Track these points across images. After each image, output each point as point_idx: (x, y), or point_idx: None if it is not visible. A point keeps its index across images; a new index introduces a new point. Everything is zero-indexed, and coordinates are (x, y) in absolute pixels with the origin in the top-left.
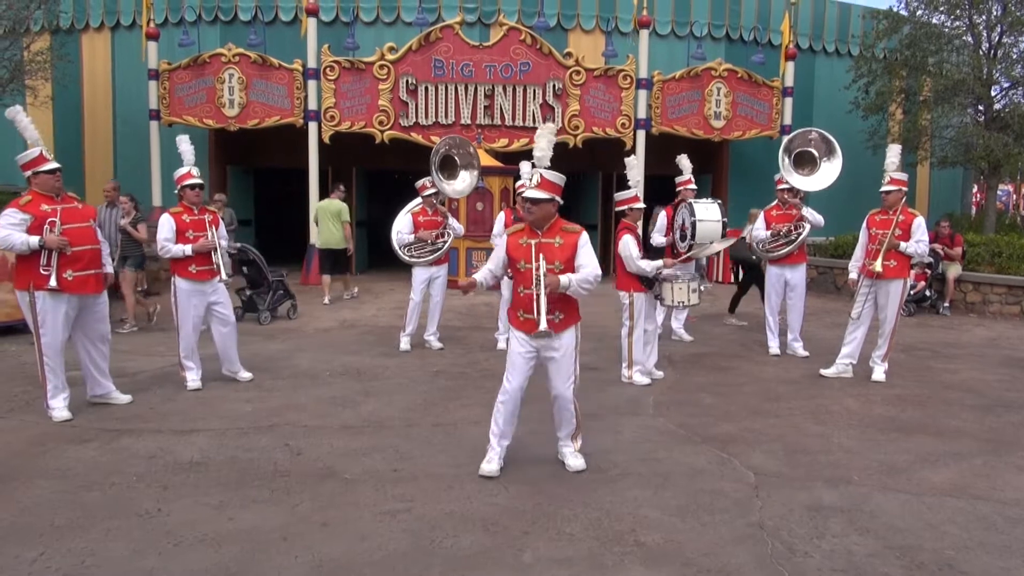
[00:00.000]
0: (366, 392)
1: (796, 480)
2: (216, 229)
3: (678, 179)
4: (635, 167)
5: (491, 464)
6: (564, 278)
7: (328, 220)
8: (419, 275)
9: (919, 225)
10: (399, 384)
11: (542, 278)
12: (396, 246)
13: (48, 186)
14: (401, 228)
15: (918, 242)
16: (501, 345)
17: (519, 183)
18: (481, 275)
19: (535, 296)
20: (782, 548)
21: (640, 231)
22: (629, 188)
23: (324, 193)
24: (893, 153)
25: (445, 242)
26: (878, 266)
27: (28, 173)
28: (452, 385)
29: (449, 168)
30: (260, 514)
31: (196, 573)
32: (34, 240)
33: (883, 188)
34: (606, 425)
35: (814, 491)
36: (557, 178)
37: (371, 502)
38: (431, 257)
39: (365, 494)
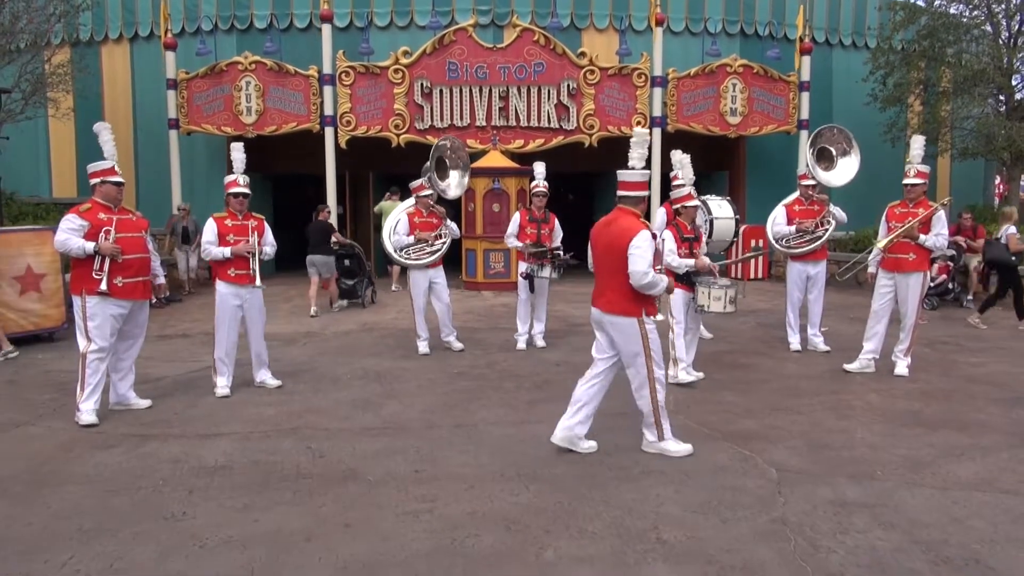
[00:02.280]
0: (387, 394)
1: (819, 476)
2: (261, 236)
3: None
4: (687, 165)
5: (683, 443)
6: None
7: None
8: (419, 282)
9: (939, 218)
10: (419, 386)
11: None
12: (392, 248)
13: (110, 196)
14: (398, 230)
15: (937, 235)
16: (520, 346)
17: (533, 184)
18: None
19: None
20: (805, 544)
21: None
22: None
23: (341, 198)
24: (918, 144)
25: (444, 243)
26: (880, 246)
27: (96, 181)
28: (472, 386)
29: (441, 169)
30: (284, 516)
31: (222, 575)
32: (89, 245)
33: (909, 181)
34: (627, 423)
35: (837, 487)
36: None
37: (393, 503)
38: (429, 259)
39: (387, 495)
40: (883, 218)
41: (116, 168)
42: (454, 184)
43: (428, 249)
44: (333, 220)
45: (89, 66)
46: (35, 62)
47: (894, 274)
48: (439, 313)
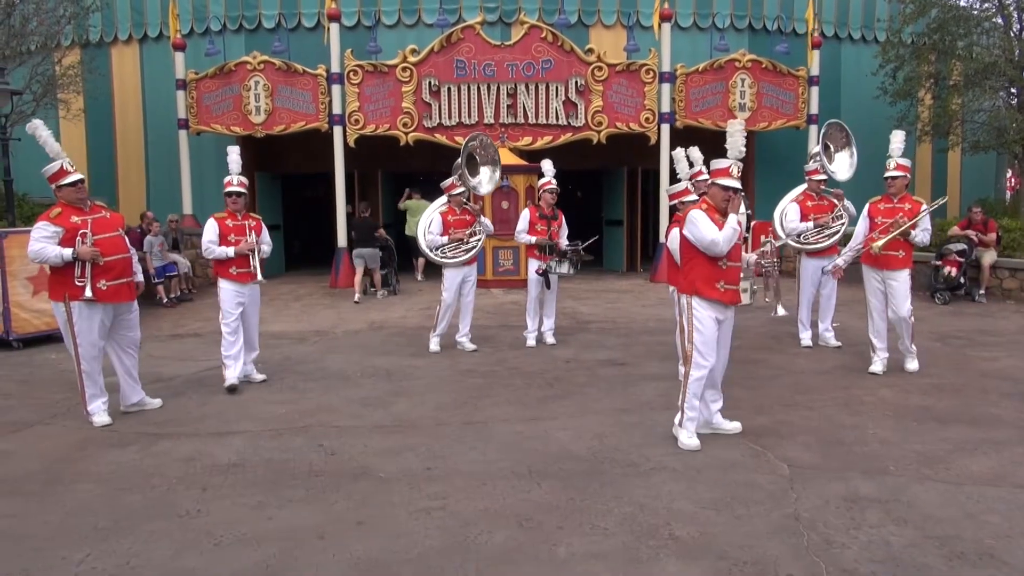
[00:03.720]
0: (397, 392)
1: (831, 471)
2: (259, 235)
3: (690, 171)
4: (682, 160)
5: (694, 439)
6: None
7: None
8: (452, 277)
9: (926, 215)
10: (429, 384)
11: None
12: (427, 248)
13: (72, 198)
14: (432, 229)
15: (923, 231)
16: (530, 343)
17: (543, 181)
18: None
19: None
20: (818, 539)
21: None
22: (679, 181)
23: (351, 197)
24: (898, 139)
25: (479, 240)
26: (878, 246)
27: (53, 186)
28: (482, 384)
29: (471, 165)
30: (297, 513)
31: (237, 572)
32: (67, 252)
33: (890, 174)
34: (638, 419)
35: (850, 482)
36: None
37: (405, 500)
38: (465, 256)
39: (399, 492)
40: (864, 213)
41: (67, 167)
42: (485, 180)
43: (464, 247)
44: (342, 218)
45: (99, 67)
46: (46, 64)
47: (882, 271)
48: (462, 309)
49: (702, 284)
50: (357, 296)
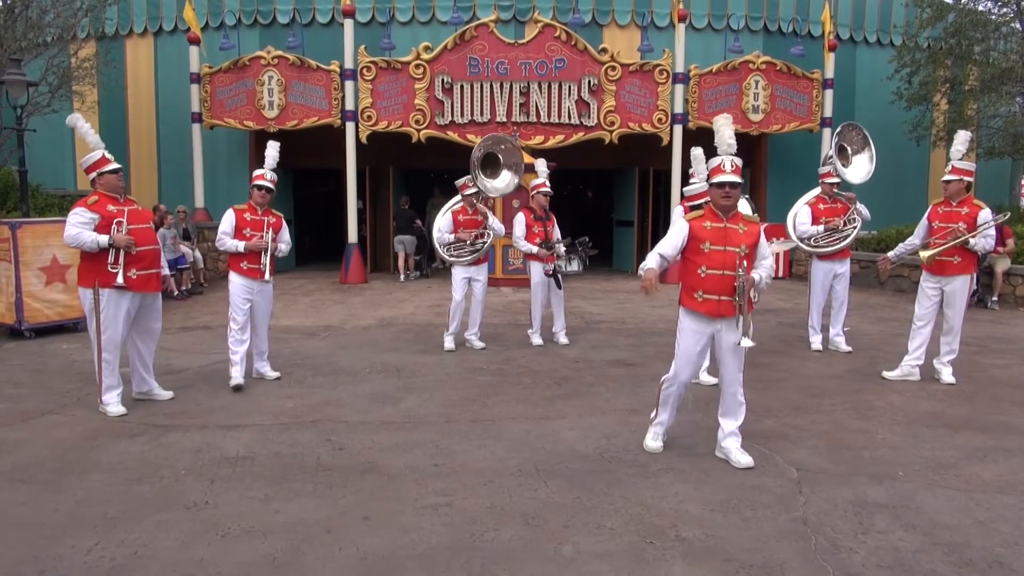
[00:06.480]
0: (405, 389)
1: (840, 476)
2: (278, 232)
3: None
4: (700, 160)
5: (657, 441)
6: (756, 276)
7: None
8: (458, 274)
9: (985, 218)
10: (438, 381)
11: (744, 281)
12: (437, 245)
13: (112, 186)
14: (442, 227)
15: (984, 238)
16: (536, 341)
17: (537, 182)
18: (653, 262)
19: (738, 298)
20: (826, 544)
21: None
22: (695, 183)
23: (362, 193)
24: (960, 140)
25: (484, 242)
26: (927, 256)
27: (92, 175)
28: (490, 381)
29: (492, 166)
30: (304, 507)
31: (244, 564)
32: (103, 239)
33: (944, 178)
34: (646, 420)
35: (858, 487)
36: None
37: (412, 496)
38: (470, 257)
39: (406, 488)
40: (925, 216)
41: (107, 155)
42: (502, 184)
43: (468, 248)
44: (353, 214)
45: (114, 60)
46: (62, 56)
47: (939, 278)
48: (472, 308)
49: (683, 293)
50: (402, 277)
